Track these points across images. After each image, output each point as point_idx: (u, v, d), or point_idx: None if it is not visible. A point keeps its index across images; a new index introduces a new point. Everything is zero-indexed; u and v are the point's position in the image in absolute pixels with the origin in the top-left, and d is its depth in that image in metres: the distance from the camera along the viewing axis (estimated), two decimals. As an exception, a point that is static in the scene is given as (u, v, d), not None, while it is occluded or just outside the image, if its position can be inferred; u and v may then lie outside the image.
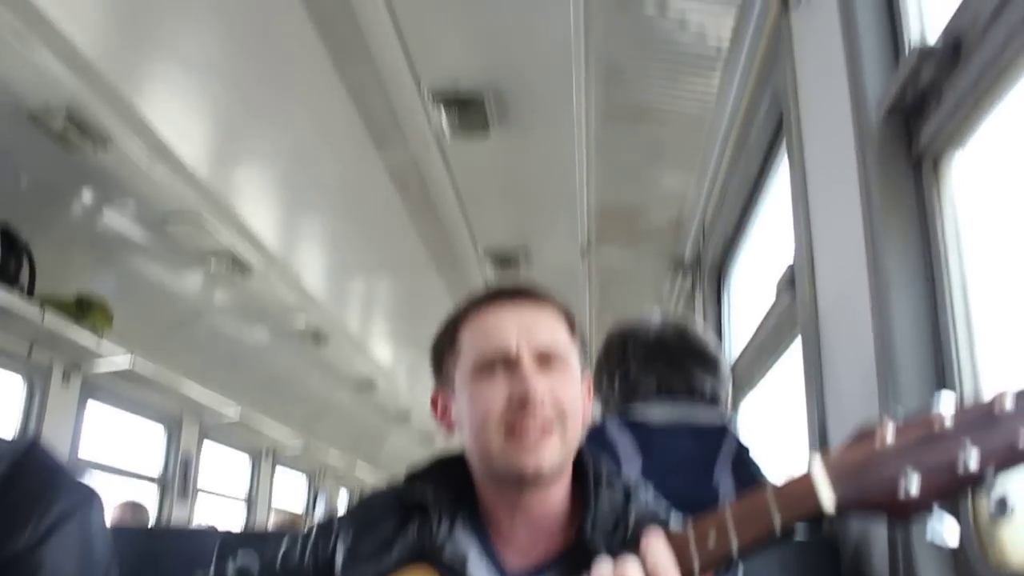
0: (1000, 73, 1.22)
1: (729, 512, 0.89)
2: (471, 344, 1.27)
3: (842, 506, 0.85)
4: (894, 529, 1.40)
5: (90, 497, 1.39)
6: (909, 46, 1.51)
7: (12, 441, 1.43)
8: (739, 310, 3.43)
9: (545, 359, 1.23)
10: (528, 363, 1.21)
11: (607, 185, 3.44)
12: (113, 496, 5.36)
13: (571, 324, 1.32)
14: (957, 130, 1.36)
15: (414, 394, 8.18)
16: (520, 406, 1.19)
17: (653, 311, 2.12)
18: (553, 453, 1.20)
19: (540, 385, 1.20)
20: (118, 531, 1.47)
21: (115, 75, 3.15)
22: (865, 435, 0.86)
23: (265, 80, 3.24)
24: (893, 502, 0.83)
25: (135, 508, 5.31)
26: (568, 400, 1.23)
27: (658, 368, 1.95)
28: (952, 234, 1.41)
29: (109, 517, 5.40)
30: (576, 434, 1.25)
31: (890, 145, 1.48)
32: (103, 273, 4.80)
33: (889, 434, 0.84)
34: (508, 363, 1.22)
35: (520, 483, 1.22)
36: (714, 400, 1.94)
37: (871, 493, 0.84)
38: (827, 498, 0.85)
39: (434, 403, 1.36)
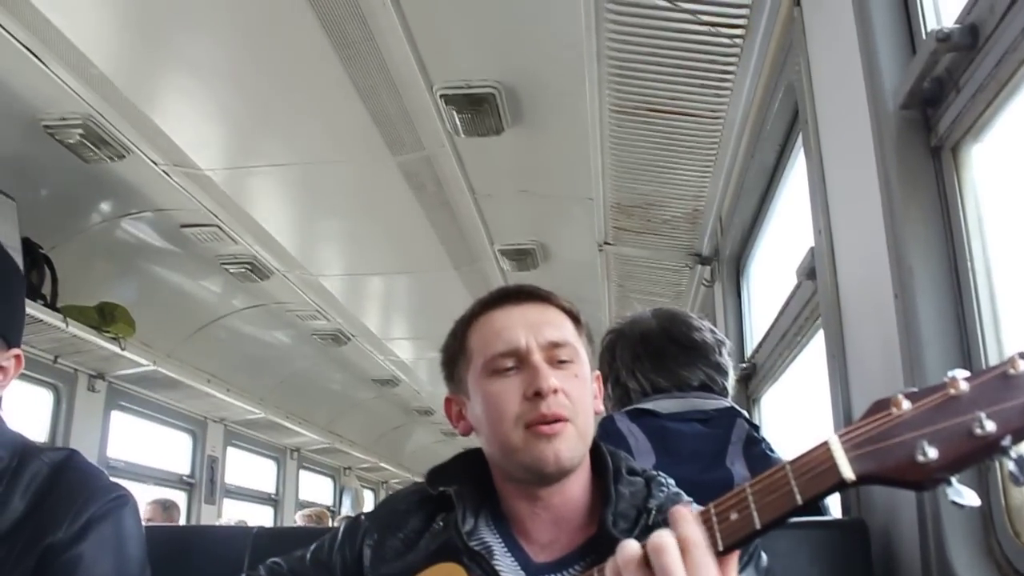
0: (1020, 60, 1.21)
1: (749, 490, 0.90)
2: (481, 345, 1.30)
3: (861, 475, 0.84)
4: (923, 508, 1.39)
5: (125, 499, 1.44)
6: (925, 34, 1.50)
7: (54, 448, 1.50)
8: (758, 301, 3.42)
9: (554, 354, 1.26)
10: (538, 357, 1.24)
11: (622, 180, 3.43)
12: (148, 498, 5.44)
13: (577, 321, 1.35)
14: (976, 119, 1.35)
15: (435, 391, 8.20)
16: (535, 400, 1.21)
17: (645, 309, 2.11)
18: (571, 444, 1.22)
19: (553, 378, 1.22)
20: (152, 530, 1.51)
21: (130, 87, 3.18)
22: (881, 405, 0.85)
23: (278, 87, 3.26)
24: (911, 469, 0.81)
25: (166, 506, 5.40)
26: (579, 394, 1.25)
27: (644, 369, 1.95)
28: (974, 220, 1.40)
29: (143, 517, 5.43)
30: (590, 426, 1.28)
31: (908, 135, 1.48)
32: (124, 282, 4.85)
33: (904, 403, 0.84)
34: (519, 360, 1.25)
35: (541, 476, 1.24)
36: (705, 388, 1.94)
37: (889, 461, 0.82)
38: (846, 468, 0.84)
39: (448, 408, 1.38)
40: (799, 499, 0.86)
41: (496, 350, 1.27)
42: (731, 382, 2.02)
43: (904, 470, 0.82)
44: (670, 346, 1.95)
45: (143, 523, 1.48)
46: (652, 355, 1.95)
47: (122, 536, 1.40)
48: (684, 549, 0.88)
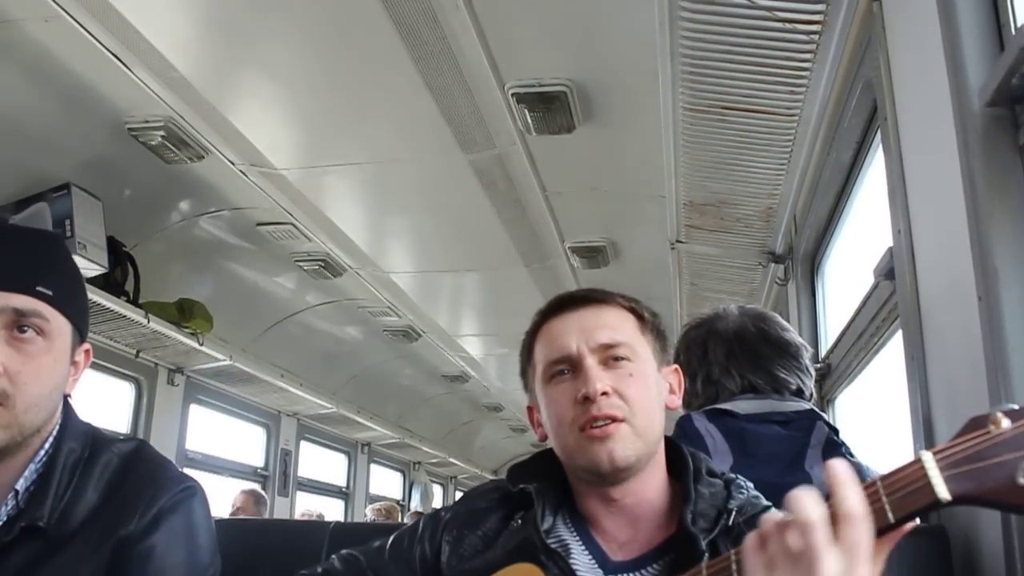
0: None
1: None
2: (541, 354, 1.34)
3: (957, 496, 0.81)
4: (1009, 518, 1.35)
5: (194, 490, 1.46)
6: (1015, 30, 1.46)
7: (124, 439, 1.53)
8: (833, 301, 3.36)
9: (609, 356, 1.28)
10: (590, 362, 1.26)
11: (695, 178, 3.39)
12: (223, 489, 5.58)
13: (640, 318, 1.36)
14: (1067, 116, 1.31)
15: (505, 388, 8.23)
16: (585, 404, 1.23)
17: (729, 304, 2.08)
18: (625, 444, 1.23)
19: (600, 382, 1.24)
20: (230, 523, 1.54)
21: (209, 90, 3.25)
22: (979, 423, 0.83)
23: (351, 87, 3.30)
24: (1013, 492, 0.79)
25: (256, 497, 5.53)
26: (635, 393, 1.26)
27: (741, 367, 1.92)
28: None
29: (232, 503, 5.61)
30: (651, 425, 1.28)
31: (994, 132, 1.44)
32: (202, 278, 4.98)
33: (1004, 421, 0.81)
34: (572, 365, 1.28)
35: (601, 477, 1.25)
36: (799, 393, 1.91)
37: (988, 483, 0.80)
38: (941, 488, 0.81)
39: (530, 416, 1.42)
40: (891, 517, 0.84)
41: (551, 357, 1.31)
42: (811, 385, 1.99)
43: (1004, 492, 0.80)
44: (765, 346, 1.92)
45: (233, 511, 1.51)
46: (749, 354, 1.92)
47: (192, 527, 1.43)
48: (840, 521, 0.84)
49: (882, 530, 0.84)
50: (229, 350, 5.26)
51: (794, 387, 1.91)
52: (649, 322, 1.37)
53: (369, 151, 3.79)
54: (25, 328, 1.34)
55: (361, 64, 3.12)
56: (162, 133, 3.48)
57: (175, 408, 5.31)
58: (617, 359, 1.28)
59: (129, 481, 1.42)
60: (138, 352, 4.81)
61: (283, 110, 3.51)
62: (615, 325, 1.32)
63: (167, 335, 4.56)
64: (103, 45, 2.94)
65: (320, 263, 4.94)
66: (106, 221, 3.83)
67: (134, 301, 4.30)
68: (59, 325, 1.39)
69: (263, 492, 5.85)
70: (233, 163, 3.81)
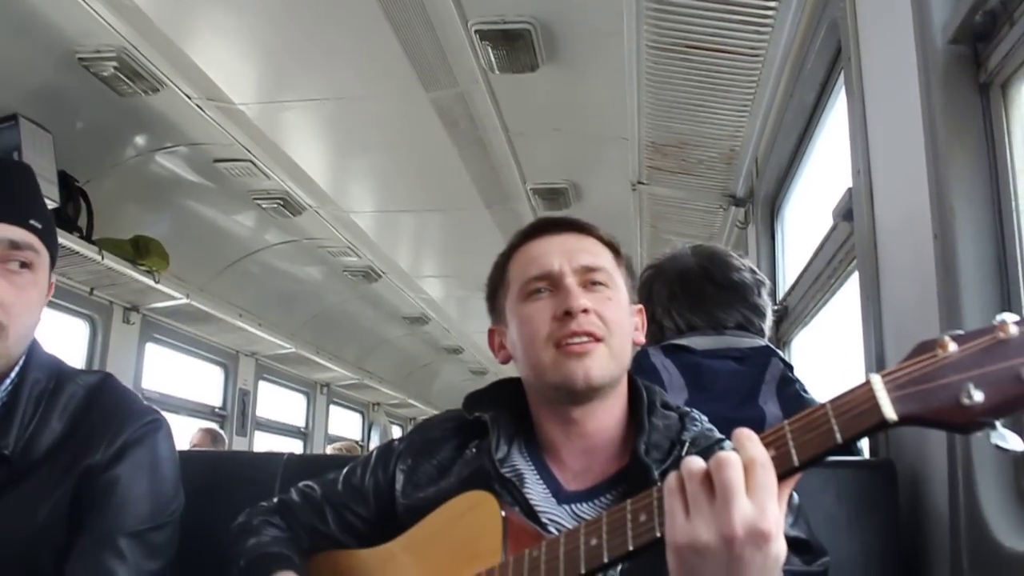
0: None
1: (788, 427, 0.90)
2: (518, 273, 1.34)
3: (903, 416, 0.83)
4: (954, 450, 1.39)
5: (159, 423, 1.48)
6: (979, -35, 1.45)
7: (89, 372, 1.55)
8: (793, 244, 3.39)
9: (588, 279, 1.29)
10: (571, 281, 1.28)
11: (658, 119, 3.38)
12: (181, 428, 5.55)
13: (616, 252, 1.38)
14: (1028, 54, 1.31)
15: (465, 329, 8.25)
16: (565, 319, 1.24)
17: (685, 244, 2.08)
18: (601, 363, 1.25)
19: (583, 299, 1.25)
20: (186, 455, 1.55)
21: (164, 20, 3.17)
22: (926, 347, 0.85)
23: (312, 21, 3.23)
24: (956, 411, 0.81)
25: (214, 435, 5.53)
26: (613, 315, 1.28)
27: (680, 308, 1.94)
28: (1021, 160, 1.38)
29: (189, 441, 5.59)
30: (625, 350, 1.30)
31: (956, 70, 1.44)
32: (158, 216, 4.89)
33: (951, 345, 0.83)
34: (552, 283, 1.29)
35: (572, 395, 1.26)
36: (743, 328, 1.92)
37: (933, 403, 0.82)
38: (888, 408, 0.83)
39: (491, 339, 1.41)
40: (839, 438, 0.86)
41: (530, 274, 1.31)
42: (768, 323, 2.01)
43: (948, 412, 0.81)
44: (708, 286, 1.93)
45: (192, 447, 1.53)
46: (689, 294, 1.94)
47: (156, 459, 1.45)
48: (748, 468, 0.88)
49: (829, 450, 0.87)
50: (186, 288, 5.20)
51: (733, 324, 1.91)
52: (624, 258, 1.39)
53: (329, 87, 3.72)
54: (16, 260, 1.35)
55: (322, -4, 3.05)
56: (115, 64, 3.38)
57: (131, 347, 5.25)
58: (596, 283, 1.30)
59: (94, 412, 1.44)
60: (92, 290, 4.73)
61: (241, 43, 3.43)
62: (596, 252, 1.34)
63: (122, 272, 4.48)
64: (50, -31, 2.84)
65: (279, 201, 4.88)
66: (57, 155, 3.73)
67: (87, 238, 4.22)
68: (44, 258, 1.41)
69: (221, 431, 5.84)
70: (190, 97, 3.72)
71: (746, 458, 0.89)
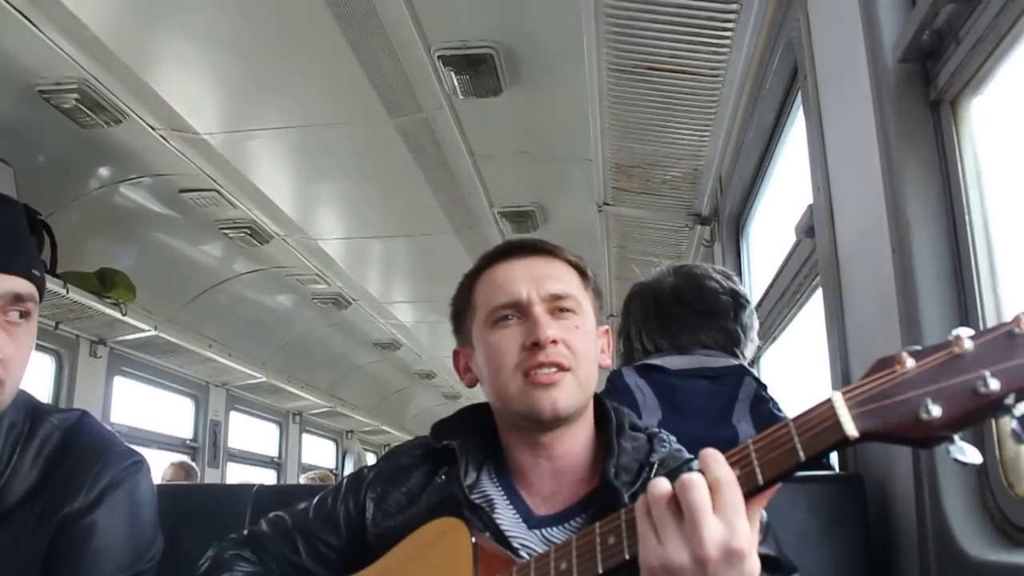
0: (1020, 11, 1.20)
1: (752, 446, 0.91)
2: (485, 298, 1.32)
3: (864, 433, 0.84)
4: (919, 462, 1.41)
5: (139, 464, 1.44)
6: (925, -13, 1.49)
7: (64, 410, 1.49)
8: (758, 261, 3.42)
9: (556, 306, 1.29)
10: (539, 309, 1.27)
11: (622, 140, 3.41)
12: (152, 462, 5.47)
13: (583, 275, 1.37)
14: (975, 71, 1.34)
15: (437, 354, 8.22)
16: (533, 349, 1.24)
17: (663, 265, 2.09)
18: (568, 393, 1.24)
19: (551, 329, 1.24)
20: (158, 490, 1.52)
21: (125, 51, 3.15)
22: (886, 363, 0.86)
23: (274, 50, 3.23)
24: (915, 427, 0.82)
25: (187, 469, 5.47)
26: (580, 344, 1.27)
27: (649, 330, 1.96)
28: (973, 174, 1.40)
29: (162, 476, 5.48)
30: (591, 378, 1.30)
31: (907, 88, 1.47)
32: (124, 248, 4.85)
33: (908, 360, 0.84)
34: (520, 311, 1.28)
35: (539, 424, 1.26)
36: (715, 347, 1.93)
37: (892, 419, 0.83)
38: (849, 425, 0.84)
39: (456, 360, 1.41)
40: (802, 455, 0.87)
41: (498, 302, 1.29)
42: (752, 347, 2.01)
43: (908, 428, 0.83)
44: (679, 308, 1.95)
45: (165, 482, 1.49)
46: (660, 316, 1.95)
47: (136, 502, 1.40)
48: (714, 488, 0.89)
49: (793, 468, 0.88)
50: (154, 320, 5.15)
51: (706, 343, 1.92)
52: (591, 280, 1.39)
53: (294, 115, 3.72)
54: (17, 311, 1.31)
55: (284, 25, 3.05)
56: (76, 96, 3.36)
57: (98, 381, 5.19)
58: (563, 310, 1.29)
59: (71, 457, 1.38)
60: (57, 324, 4.68)
61: (204, 72, 3.41)
62: (563, 277, 1.33)
63: (88, 306, 4.45)
64: (8, 2, 2.81)
65: (246, 231, 4.85)
66: (18, 188, 3.69)
67: (52, 271, 4.17)
68: (36, 305, 1.37)
69: (193, 464, 5.78)
70: (153, 128, 3.70)
71: (711, 478, 0.89)
